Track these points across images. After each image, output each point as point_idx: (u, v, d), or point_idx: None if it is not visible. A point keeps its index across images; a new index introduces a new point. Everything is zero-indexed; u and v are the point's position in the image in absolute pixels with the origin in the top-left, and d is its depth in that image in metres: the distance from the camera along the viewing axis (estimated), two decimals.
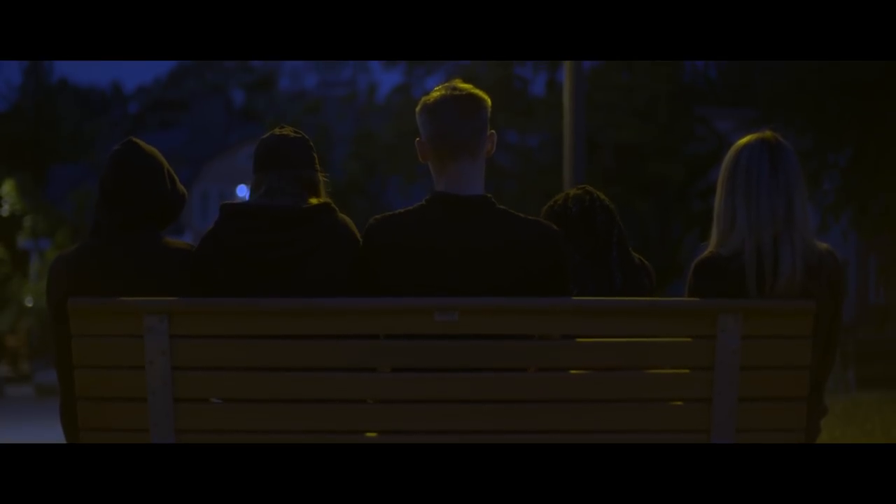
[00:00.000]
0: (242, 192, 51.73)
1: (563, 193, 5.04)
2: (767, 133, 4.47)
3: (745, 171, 4.37)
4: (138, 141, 4.69)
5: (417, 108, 4.41)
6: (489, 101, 4.40)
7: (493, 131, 4.41)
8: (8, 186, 44.53)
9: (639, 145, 28.92)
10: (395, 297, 4.22)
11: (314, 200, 4.44)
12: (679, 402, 4.19)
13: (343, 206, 4.59)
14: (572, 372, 4.18)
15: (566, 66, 13.57)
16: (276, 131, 4.58)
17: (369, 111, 55.38)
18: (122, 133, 65.43)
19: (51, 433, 11.68)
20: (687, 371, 4.18)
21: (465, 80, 4.48)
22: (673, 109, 29.14)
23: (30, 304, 40.03)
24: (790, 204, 4.34)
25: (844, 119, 21.14)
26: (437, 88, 4.41)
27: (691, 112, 30.01)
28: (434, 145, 4.36)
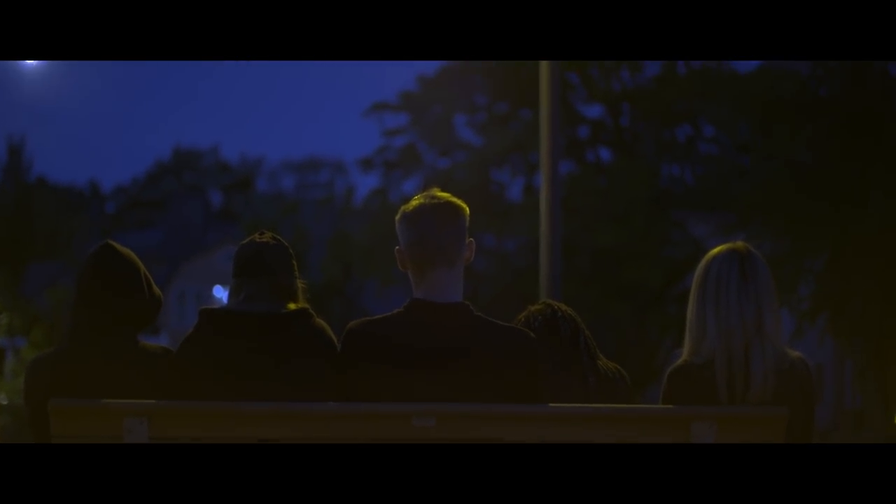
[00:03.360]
0: (219, 292, 51.66)
1: (525, 310, 5.10)
2: (739, 243, 4.55)
3: (716, 281, 4.44)
4: (115, 244, 4.71)
5: (396, 217, 4.45)
6: (467, 210, 4.45)
7: (471, 239, 4.46)
8: None
9: (616, 249, 29.03)
10: (373, 402, 4.24)
11: (292, 306, 4.49)
12: None
13: (320, 308, 4.62)
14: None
15: (543, 171, 13.66)
16: (256, 237, 4.62)
17: (346, 214, 55.57)
18: (99, 232, 65.40)
19: None
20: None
21: (442, 184, 4.53)
22: (650, 214, 29.28)
23: (4, 403, 39.73)
24: (760, 312, 4.41)
25: (820, 224, 21.31)
26: (415, 197, 4.46)
27: (668, 217, 30.17)
28: (412, 253, 4.40)
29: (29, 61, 32.02)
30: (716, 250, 4.54)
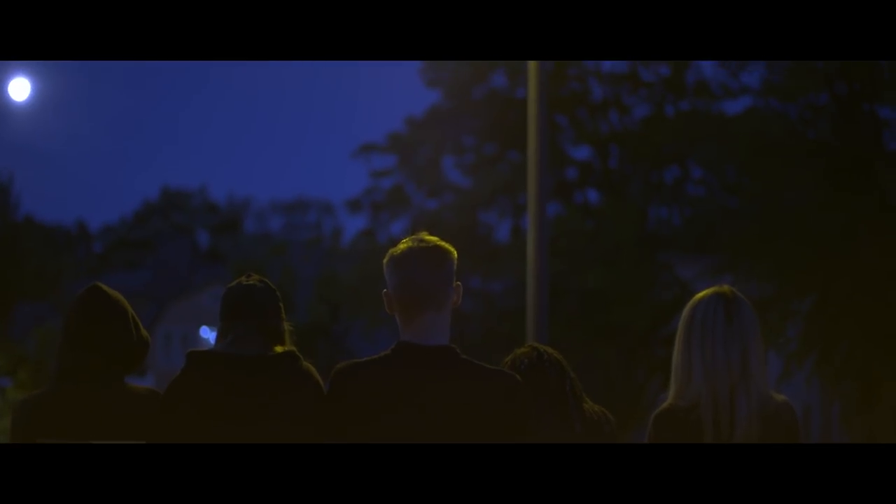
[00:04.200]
0: (206, 333, 51.51)
1: (511, 354, 5.11)
2: (724, 287, 4.57)
3: (701, 324, 4.46)
4: (103, 286, 4.73)
5: (384, 260, 4.46)
6: (455, 254, 4.46)
7: (458, 283, 4.47)
8: None
9: (603, 291, 29.00)
10: (360, 444, 4.23)
11: (279, 349, 4.50)
12: None
13: (306, 349, 4.63)
14: None
15: (530, 213, 13.68)
16: (244, 280, 4.63)
17: (334, 255, 55.50)
18: (86, 272, 65.21)
19: None
20: None
21: (430, 226, 4.55)
22: (637, 256, 29.29)
23: None
24: (745, 355, 4.42)
25: (807, 267, 21.31)
26: (403, 240, 4.47)
27: (655, 259, 30.17)
28: (400, 297, 4.41)
29: (17, 98, 31.96)
30: (701, 294, 4.56)
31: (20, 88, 31.79)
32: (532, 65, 13.51)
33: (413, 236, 4.48)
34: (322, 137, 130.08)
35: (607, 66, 31.45)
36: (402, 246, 4.45)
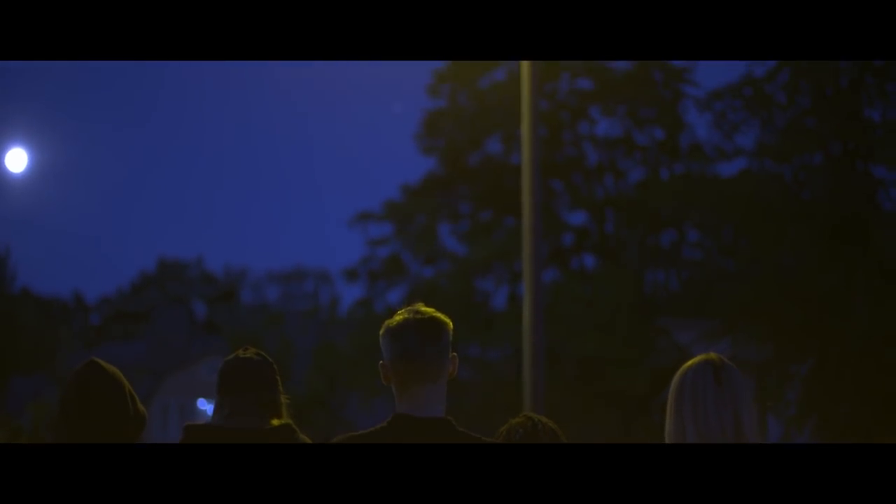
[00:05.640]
0: (203, 405, 51.37)
1: (506, 424, 5.10)
2: (712, 354, 4.56)
3: (692, 391, 4.44)
4: (100, 361, 4.72)
5: (381, 331, 4.45)
6: (451, 325, 4.45)
7: (454, 354, 4.46)
8: None
9: (600, 357, 28.96)
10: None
11: (276, 422, 4.49)
12: None
13: (303, 421, 4.62)
14: None
15: (526, 279, 13.68)
16: (241, 353, 4.64)
17: (331, 324, 55.44)
18: (83, 344, 65.17)
19: None
20: None
21: (427, 294, 4.54)
22: (634, 321, 29.27)
23: None
24: (738, 419, 4.41)
25: (805, 329, 21.28)
26: (400, 311, 4.47)
27: (652, 324, 30.14)
28: (396, 368, 4.39)
29: (14, 170, 32.04)
30: (690, 362, 4.56)
31: (17, 160, 31.87)
32: (525, 131, 13.54)
33: (409, 307, 4.47)
34: (318, 206, 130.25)
35: (601, 130, 31.62)
36: (399, 317, 4.45)
